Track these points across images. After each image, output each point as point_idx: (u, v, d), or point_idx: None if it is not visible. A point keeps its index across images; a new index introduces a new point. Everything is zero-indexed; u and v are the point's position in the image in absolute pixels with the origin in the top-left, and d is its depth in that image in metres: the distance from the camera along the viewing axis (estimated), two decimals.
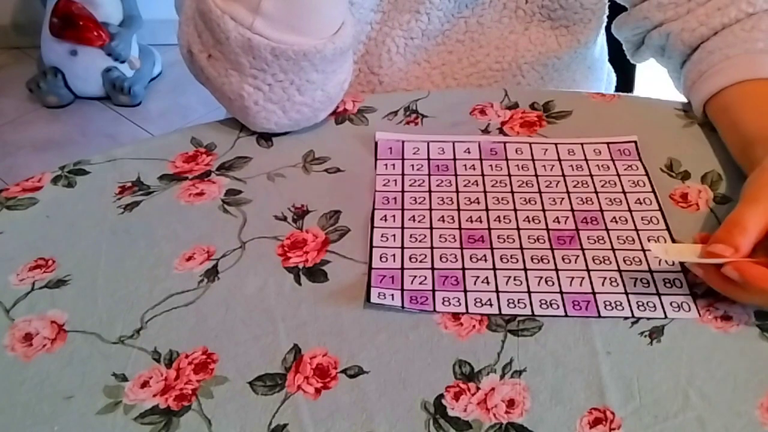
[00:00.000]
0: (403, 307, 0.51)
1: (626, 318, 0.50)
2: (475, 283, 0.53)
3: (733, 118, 0.62)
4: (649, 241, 0.56)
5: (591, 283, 0.53)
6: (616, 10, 0.79)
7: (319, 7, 0.62)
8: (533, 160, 0.64)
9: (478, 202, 0.60)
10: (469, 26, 0.78)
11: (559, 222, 0.58)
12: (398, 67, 0.78)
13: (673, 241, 0.56)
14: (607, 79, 0.93)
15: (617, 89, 0.97)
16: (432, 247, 0.56)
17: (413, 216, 0.59)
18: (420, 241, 0.56)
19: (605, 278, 0.53)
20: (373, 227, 0.57)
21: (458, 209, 0.59)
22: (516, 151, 0.65)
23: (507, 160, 0.64)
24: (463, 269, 0.54)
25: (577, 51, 0.81)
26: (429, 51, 0.78)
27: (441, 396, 0.46)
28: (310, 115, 0.66)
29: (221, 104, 0.67)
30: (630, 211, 0.59)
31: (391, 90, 0.78)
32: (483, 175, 0.63)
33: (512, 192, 0.61)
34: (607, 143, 0.66)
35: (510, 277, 0.53)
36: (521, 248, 0.56)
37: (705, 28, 0.68)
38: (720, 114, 0.64)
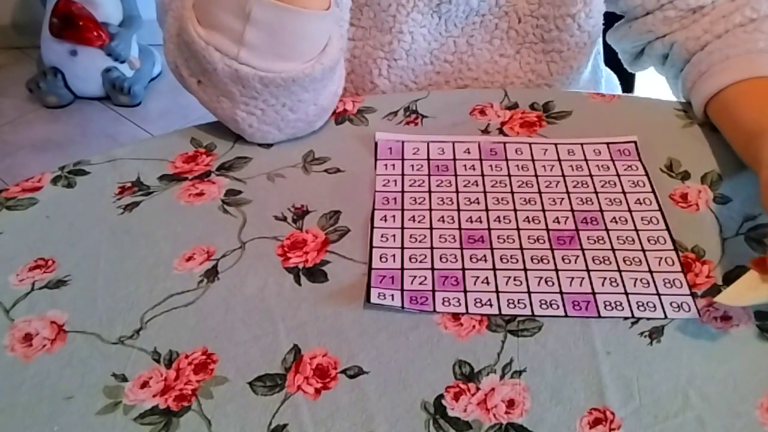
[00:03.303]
0: (403, 307, 0.51)
1: (626, 318, 0.50)
2: (475, 284, 0.53)
3: (733, 115, 0.62)
4: (649, 241, 0.56)
5: (591, 283, 0.53)
6: (611, 18, 0.78)
7: (304, 33, 0.60)
8: (533, 160, 0.64)
9: (478, 203, 0.60)
10: (458, 46, 0.76)
11: (559, 222, 0.58)
12: (381, 90, 0.76)
13: (673, 240, 0.56)
14: (606, 87, 0.92)
15: None
16: (432, 248, 0.56)
17: (413, 216, 0.59)
18: (420, 242, 0.56)
19: (605, 278, 0.53)
20: (373, 227, 0.57)
21: (458, 209, 0.59)
22: (516, 152, 0.65)
23: (507, 160, 0.64)
24: (463, 269, 0.54)
25: (569, 77, 0.79)
26: (416, 71, 0.77)
27: (441, 396, 0.46)
28: (306, 127, 0.66)
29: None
30: (630, 211, 0.59)
31: None
32: (483, 175, 0.63)
33: (512, 192, 0.61)
34: (607, 143, 0.66)
35: (510, 277, 0.53)
36: (521, 248, 0.56)
37: (709, 35, 0.68)
38: (720, 113, 0.64)
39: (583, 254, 0.55)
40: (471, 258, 0.55)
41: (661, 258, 0.55)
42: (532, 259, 0.55)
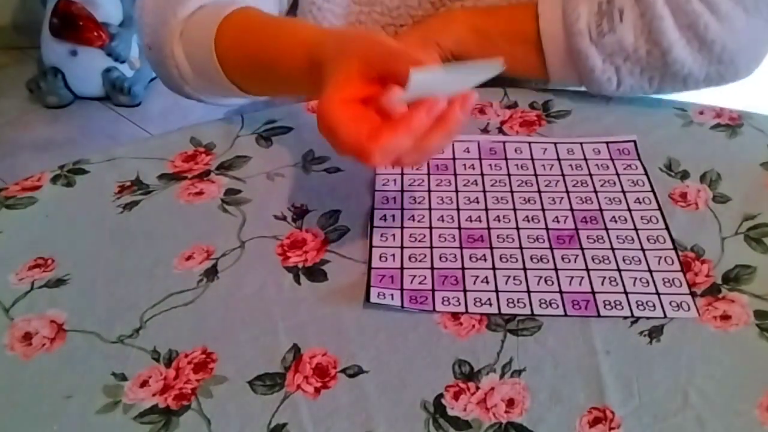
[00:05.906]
0: (402, 306, 0.51)
1: (626, 317, 0.50)
2: (474, 283, 0.53)
3: None
4: (648, 240, 0.56)
5: (590, 282, 0.53)
6: None
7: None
8: (532, 159, 0.64)
9: (478, 202, 0.60)
10: None
11: (558, 221, 0.58)
12: None
13: (672, 239, 0.56)
14: None
15: None
16: (431, 247, 0.56)
17: (413, 215, 0.59)
18: (419, 241, 0.56)
19: (605, 278, 0.53)
20: (372, 227, 0.57)
21: (458, 209, 0.59)
22: (515, 151, 0.65)
23: (506, 159, 0.64)
24: (463, 269, 0.54)
25: None
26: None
27: (440, 395, 0.46)
28: None
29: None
30: (629, 210, 0.59)
31: None
32: (482, 174, 0.63)
33: (512, 191, 0.61)
34: (607, 142, 0.66)
35: (509, 276, 0.53)
36: (521, 248, 0.56)
37: None
38: None
39: (583, 253, 0.55)
40: (470, 257, 0.55)
41: (660, 257, 0.55)
42: (531, 259, 0.55)
